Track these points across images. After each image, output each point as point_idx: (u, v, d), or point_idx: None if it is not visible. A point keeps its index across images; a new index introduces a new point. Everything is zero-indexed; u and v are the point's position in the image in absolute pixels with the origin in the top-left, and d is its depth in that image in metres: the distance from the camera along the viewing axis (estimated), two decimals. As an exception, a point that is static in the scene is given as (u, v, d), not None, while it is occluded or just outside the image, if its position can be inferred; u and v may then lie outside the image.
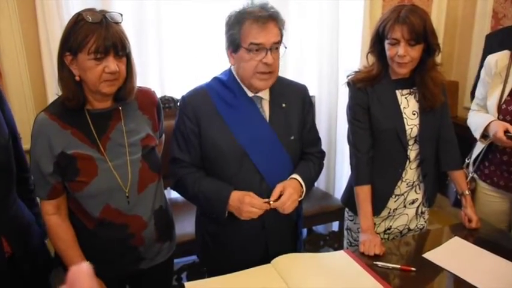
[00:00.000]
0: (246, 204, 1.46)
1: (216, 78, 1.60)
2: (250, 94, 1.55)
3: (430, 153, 1.80)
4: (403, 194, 1.83)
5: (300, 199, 1.56)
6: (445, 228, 1.91)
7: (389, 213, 1.86)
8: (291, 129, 1.59)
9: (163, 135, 1.69)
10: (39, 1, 2.29)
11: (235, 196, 1.48)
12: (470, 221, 1.80)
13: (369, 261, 1.58)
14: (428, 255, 1.61)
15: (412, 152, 1.78)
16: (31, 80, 2.45)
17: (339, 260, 1.60)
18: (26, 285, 1.52)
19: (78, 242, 1.47)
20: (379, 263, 1.56)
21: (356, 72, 1.80)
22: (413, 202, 1.87)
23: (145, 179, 1.48)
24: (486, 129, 1.85)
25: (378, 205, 1.80)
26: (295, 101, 1.62)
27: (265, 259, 1.58)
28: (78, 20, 1.29)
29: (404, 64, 1.63)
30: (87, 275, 0.44)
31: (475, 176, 2.03)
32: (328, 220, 2.96)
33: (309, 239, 3.00)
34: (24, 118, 2.42)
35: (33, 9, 2.33)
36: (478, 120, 1.93)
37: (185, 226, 2.28)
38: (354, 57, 3.05)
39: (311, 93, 1.74)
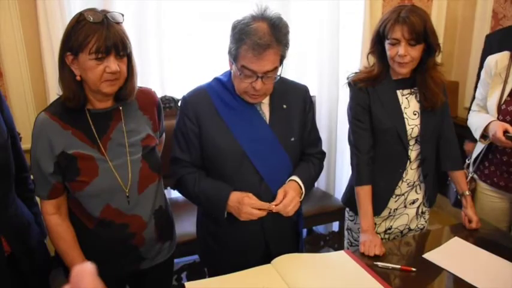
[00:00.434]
0: (245, 205, 1.46)
1: (216, 79, 1.60)
2: None
3: (430, 154, 1.81)
4: (403, 194, 1.83)
5: (300, 200, 1.56)
6: (445, 228, 1.91)
7: (389, 213, 1.86)
8: (291, 130, 1.59)
9: (164, 135, 1.69)
10: (41, 1, 2.29)
11: (234, 197, 1.49)
12: (470, 221, 1.80)
13: (369, 262, 1.58)
14: (429, 256, 1.61)
15: (413, 152, 1.78)
16: (31, 80, 2.46)
17: (339, 260, 1.60)
18: (25, 284, 1.52)
19: (78, 241, 1.47)
20: (380, 263, 1.56)
21: (356, 72, 1.80)
22: (413, 202, 1.87)
23: (145, 179, 1.48)
24: (486, 129, 1.85)
25: (379, 205, 1.80)
26: (296, 101, 1.62)
27: (266, 259, 1.58)
28: (79, 20, 1.29)
29: (404, 64, 1.63)
30: (91, 275, 0.44)
31: (475, 176, 2.03)
32: (328, 220, 2.96)
33: (309, 239, 3.00)
34: (25, 118, 2.42)
35: (34, 8, 2.33)
36: (477, 120, 1.93)
37: (185, 226, 2.28)
38: (354, 57, 3.05)
39: (311, 94, 1.74)
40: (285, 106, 1.59)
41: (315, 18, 2.95)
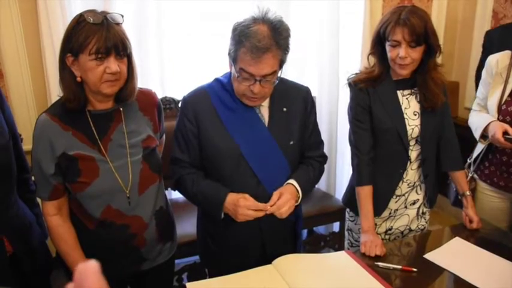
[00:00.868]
0: (241, 207, 1.46)
1: (217, 80, 1.60)
2: None
3: (431, 154, 1.80)
4: (404, 195, 1.83)
5: (296, 204, 1.56)
6: (446, 228, 1.91)
7: (390, 213, 1.86)
8: (291, 134, 1.58)
9: (164, 136, 1.69)
10: (42, 1, 2.29)
11: (231, 199, 1.49)
12: (471, 221, 1.80)
13: (370, 262, 1.58)
14: (430, 256, 1.61)
15: (413, 153, 1.78)
16: (32, 81, 2.46)
17: (340, 260, 1.60)
18: (27, 284, 1.52)
19: (79, 242, 1.48)
20: (380, 264, 1.56)
21: (357, 73, 1.80)
22: (414, 203, 1.87)
23: (146, 180, 1.48)
24: (485, 129, 1.85)
25: (379, 206, 1.80)
26: (296, 103, 1.61)
27: (263, 260, 1.58)
28: (79, 21, 1.29)
29: (405, 66, 1.63)
30: (96, 273, 0.44)
31: (475, 176, 2.03)
32: (328, 221, 2.96)
33: (309, 240, 3.00)
34: (26, 119, 2.42)
35: (35, 9, 2.33)
36: (478, 120, 1.93)
37: (186, 227, 2.28)
38: (355, 58, 3.05)
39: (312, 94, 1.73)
40: (285, 109, 1.58)
41: (315, 19, 2.95)
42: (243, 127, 1.53)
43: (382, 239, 1.78)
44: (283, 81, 1.61)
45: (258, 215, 1.48)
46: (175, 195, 2.84)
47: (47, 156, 1.38)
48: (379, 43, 1.69)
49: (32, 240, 1.56)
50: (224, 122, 1.53)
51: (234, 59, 1.43)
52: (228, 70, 1.56)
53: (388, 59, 1.68)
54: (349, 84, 1.78)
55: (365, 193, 1.75)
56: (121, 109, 1.46)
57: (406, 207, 1.86)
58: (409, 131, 1.73)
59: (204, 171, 1.60)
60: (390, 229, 1.89)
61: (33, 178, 1.56)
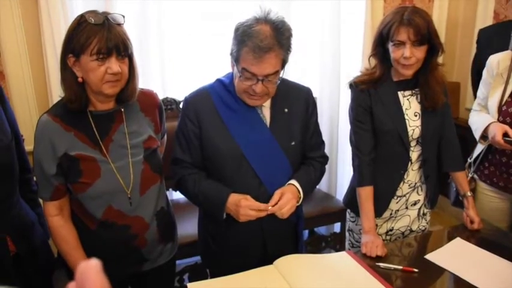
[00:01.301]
0: (243, 207, 1.46)
1: (218, 80, 1.60)
2: None
3: (432, 155, 1.80)
4: (404, 195, 1.83)
5: (297, 204, 1.56)
6: (447, 229, 1.91)
7: (391, 214, 1.86)
8: (292, 134, 1.58)
9: (165, 136, 1.69)
10: (44, 2, 2.30)
11: (232, 199, 1.49)
12: (472, 222, 1.80)
13: (371, 262, 1.58)
14: (431, 257, 1.61)
15: (414, 153, 1.78)
16: (34, 82, 2.46)
17: (341, 261, 1.60)
18: (29, 284, 1.52)
19: (80, 242, 1.48)
20: (381, 264, 1.56)
21: (357, 75, 1.80)
22: (415, 203, 1.87)
23: (147, 180, 1.49)
24: (486, 130, 1.85)
25: (380, 206, 1.80)
26: (298, 104, 1.61)
27: (264, 260, 1.58)
28: (80, 22, 1.30)
29: (409, 66, 1.63)
30: (97, 272, 0.44)
31: (475, 176, 2.03)
32: (329, 221, 2.95)
33: (310, 241, 3.00)
34: (27, 119, 2.42)
35: (36, 9, 2.34)
36: (478, 120, 1.93)
37: (187, 227, 2.28)
38: (356, 58, 3.05)
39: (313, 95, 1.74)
40: (286, 110, 1.58)
41: (316, 19, 2.95)
42: (245, 128, 1.53)
43: (383, 240, 1.78)
44: (285, 82, 1.61)
45: (259, 215, 1.48)
46: (176, 195, 2.84)
47: (49, 156, 1.38)
48: (380, 44, 1.69)
49: (34, 240, 1.56)
50: (226, 122, 1.53)
51: (236, 58, 1.44)
52: (230, 70, 1.56)
53: (390, 60, 1.68)
54: (350, 85, 1.79)
55: (366, 194, 1.75)
56: (122, 110, 1.46)
57: (407, 207, 1.86)
58: (410, 132, 1.73)
59: (205, 171, 1.60)
60: (391, 230, 1.89)
61: (35, 178, 1.56)
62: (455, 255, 1.62)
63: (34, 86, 2.46)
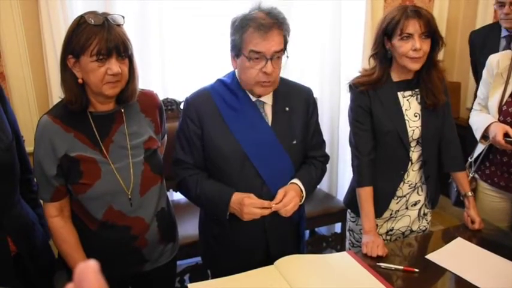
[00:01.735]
0: (247, 205, 1.46)
1: (219, 81, 1.60)
2: (253, 98, 1.56)
3: (432, 155, 1.80)
4: (405, 196, 1.83)
5: (300, 203, 1.56)
6: (448, 229, 1.90)
7: (391, 214, 1.85)
8: (293, 133, 1.59)
9: (166, 137, 1.69)
10: (44, 3, 2.30)
11: (236, 199, 1.49)
12: (473, 222, 1.80)
13: (371, 262, 1.58)
14: (431, 257, 1.61)
15: (414, 154, 1.77)
16: (34, 82, 2.46)
17: (342, 261, 1.60)
18: (30, 285, 1.52)
19: (81, 243, 1.48)
20: (382, 264, 1.56)
21: (356, 76, 1.79)
22: (415, 204, 1.86)
23: (147, 181, 1.49)
24: (486, 130, 1.85)
25: (380, 207, 1.80)
26: (299, 104, 1.62)
27: (267, 260, 1.59)
28: (80, 23, 1.30)
29: (418, 58, 1.62)
30: (95, 272, 0.44)
31: (476, 175, 2.03)
32: (330, 221, 2.95)
33: (311, 241, 3.00)
34: (27, 120, 2.42)
35: (36, 10, 2.34)
36: (478, 120, 1.93)
37: (188, 228, 2.28)
38: (356, 58, 3.05)
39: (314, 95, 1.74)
40: (287, 109, 1.59)
41: (317, 20, 2.95)
42: (247, 127, 1.53)
43: (384, 240, 1.77)
44: (286, 82, 1.61)
45: (264, 213, 1.48)
46: (177, 196, 2.84)
47: (49, 157, 1.38)
48: (381, 43, 1.69)
49: (34, 240, 1.56)
50: (227, 122, 1.53)
51: (240, 47, 1.45)
52: (230, 70, 1.56)
53: (390, 61, 1.68)
54: (350, 86, 1.78)
55: (365, 194, 1.75)
56: (122, 110, 1.46)
57: (407, 208, 1.86)
58: (410, 133, 1.73)
59: (207, 172, 1.60)
60: (391, 230, 1.88)
61: (35, 179, 1.56)
62: (456, 255, 1.62)
63: (34, 87, 2.46)
